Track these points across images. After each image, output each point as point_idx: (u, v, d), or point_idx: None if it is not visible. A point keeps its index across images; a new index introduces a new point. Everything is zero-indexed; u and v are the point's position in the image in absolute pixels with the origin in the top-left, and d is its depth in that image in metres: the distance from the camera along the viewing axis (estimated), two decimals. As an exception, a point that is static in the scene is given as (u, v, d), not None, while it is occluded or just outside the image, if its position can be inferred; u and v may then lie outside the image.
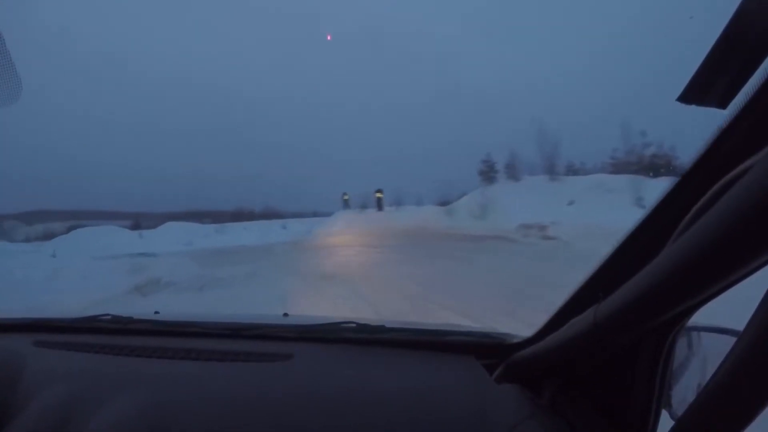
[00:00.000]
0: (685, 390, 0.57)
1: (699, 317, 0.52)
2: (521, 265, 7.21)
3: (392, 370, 0.77)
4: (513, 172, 24.91)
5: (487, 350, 0.81)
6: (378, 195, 29.44)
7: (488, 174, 26.17)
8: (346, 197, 31.97)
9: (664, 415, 0.55)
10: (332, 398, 0.67)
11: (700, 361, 0.59)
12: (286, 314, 1.10)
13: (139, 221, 30.90)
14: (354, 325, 0.90)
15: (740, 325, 0.37)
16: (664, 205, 0.46)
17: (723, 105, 0.37)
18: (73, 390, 0.68)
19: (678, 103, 0.39)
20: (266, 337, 0.91)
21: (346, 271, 7.45)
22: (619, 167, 21.87)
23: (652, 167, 19.77)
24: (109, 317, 0.99)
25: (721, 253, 0.31)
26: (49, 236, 23.65)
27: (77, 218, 31.83)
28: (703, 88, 0.38)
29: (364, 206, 30.28)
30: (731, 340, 0.37)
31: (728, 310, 0.55)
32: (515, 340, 0.79)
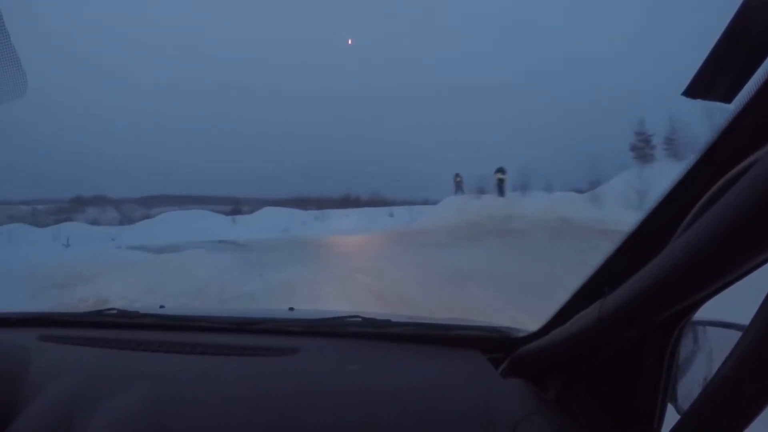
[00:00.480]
0: (690, 384, 0.56)
1: (704, 312, 0.52)
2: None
3: (398, 365, 0.77)
4: (674, 148, 17.54)
5: (492, 344, 0.82)
6: (499, 176, 20.78)
7: (644, 150, 18.51)
8: (458, 179, 23.94)
9: (670, 409, 0.55)
10: (338, 393, 0.67)
11: (706, 356, 0.58)
12: (292, 308, 1.11)
13: (240, 206, 30.12)
14: (360, 319, 0.91)
15: (746, 319, 0.37)
16: (670, 200, 0.46)
17: (728, 100, 0.37)
18: (78, 384, 0.68)
19: None
20: (272, 332, 0.92)
21: (447, 304, 4.02)
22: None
23: None
24: (115, 311, 1.00)
25: (726, 248, 0.31)
26: (143, 218, 24.45)
27: (192, 203, 32.20)
28: (709, 83, 0.38)
29: (481, 190, 22.50)
30: (737, 335, 0.37)
31: (734, 304, 0.55)
32: (521, 335, 0.79)
